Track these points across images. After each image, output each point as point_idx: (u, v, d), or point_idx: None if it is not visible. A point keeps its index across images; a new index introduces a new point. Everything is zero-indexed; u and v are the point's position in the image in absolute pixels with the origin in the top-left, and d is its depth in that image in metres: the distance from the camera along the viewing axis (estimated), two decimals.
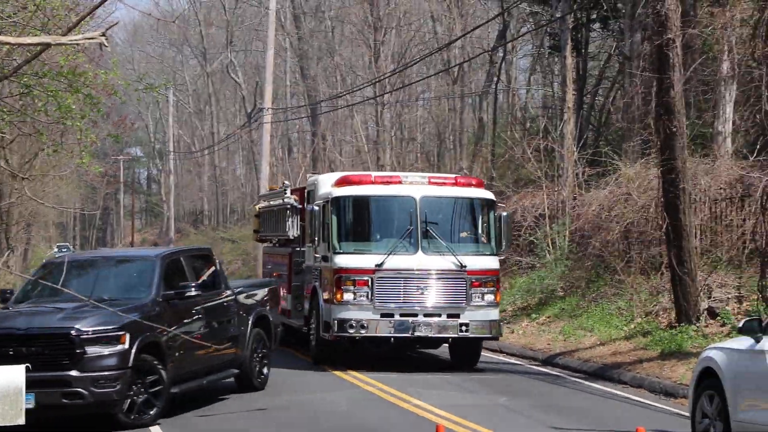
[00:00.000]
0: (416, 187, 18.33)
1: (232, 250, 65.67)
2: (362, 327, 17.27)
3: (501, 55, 43.14)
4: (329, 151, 53.27)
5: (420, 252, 17.82)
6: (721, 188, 22.99)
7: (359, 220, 19.25)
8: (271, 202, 24.98)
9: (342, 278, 17.46)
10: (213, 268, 15.82)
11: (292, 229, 21.21)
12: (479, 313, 17.93)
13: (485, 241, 18.88)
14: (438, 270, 17.81)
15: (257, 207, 27.63)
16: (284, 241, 22.97)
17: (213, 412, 14.67)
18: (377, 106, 47.18)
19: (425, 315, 17.56)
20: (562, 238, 27.96)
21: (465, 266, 17.69)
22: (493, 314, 18.37)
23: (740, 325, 12.51)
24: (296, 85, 66.36)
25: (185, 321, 14.49)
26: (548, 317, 25.08)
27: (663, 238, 20.91)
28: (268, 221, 25.10)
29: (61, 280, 12.50)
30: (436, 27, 51.11)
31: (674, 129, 19.06)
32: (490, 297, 18.01)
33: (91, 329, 12.50)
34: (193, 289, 14.52)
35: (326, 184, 19.50)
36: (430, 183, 18.84)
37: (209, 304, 15.26)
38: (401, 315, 17.50)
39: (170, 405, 13.63)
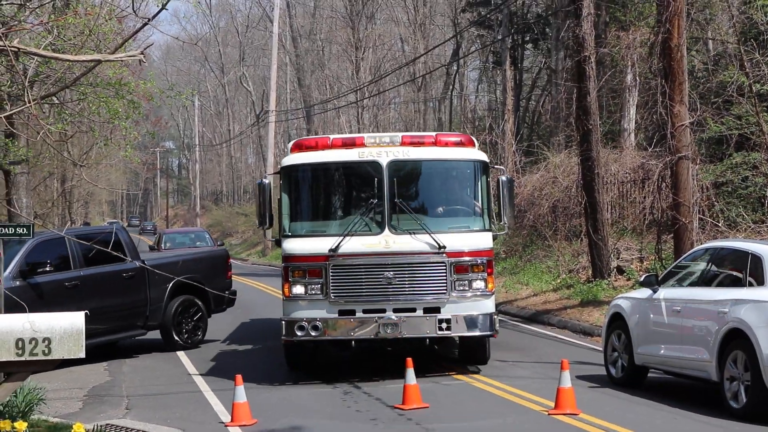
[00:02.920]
0: (384, 149, 11.80)
1: (245, 222, 68.11)
2: (314, 328, 11.22)
3: (455, 68, 44.12)
4: None
5: (387, 231, 11.53)
6: (626, 173, 23.26)
7: (314, 195, 12.70)
8: None
9: (290, 268, 11.50)
10: (95, 248, 13.05)
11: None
12: (465, 305, 11.49)
13: (475, 215, 12.17)
14: (410, 253, 11.43)
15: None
16: None
17: None
18: (358, 109, 47.51)
19: (395, 310, 11.32)
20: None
21: (444, 246, 11.33)
22: (485, 306, 11.65)
23: (641, 279, 12.54)
24: (294, 92, 67.78)
25: (54, 295, 13.13)
26: None
27: (582, 212, 20.99)
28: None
29: None
30: (404, 47, 51.77)
31: (590, 126, 19.23)
32: (479, 284, 11.54)
33: None
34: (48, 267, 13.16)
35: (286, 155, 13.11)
36: (403, 144, 11.98)
37: (94, 278, 13.92)
38: (364, 312, 11.34)
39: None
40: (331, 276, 11.31)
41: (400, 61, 47.78)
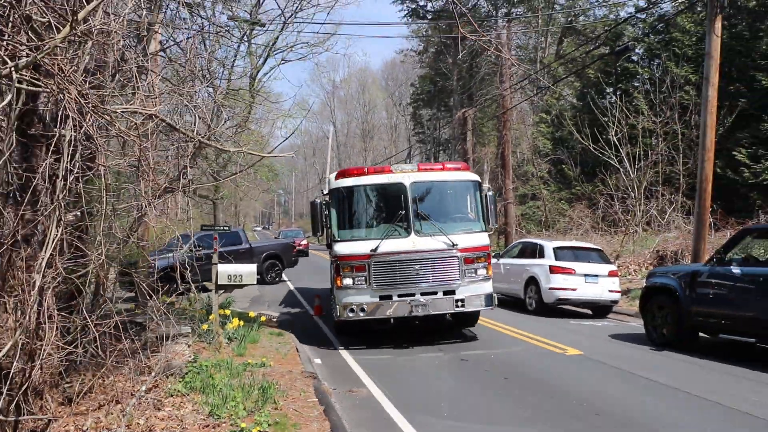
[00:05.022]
0: (406, 174, 12.74)
1: None
2: (362, 310, 12.20)
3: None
4: None
5: (413, 234, 12.36)
6: None
7: (355, 209, 13.10)
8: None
9: (341, 265, 12.32)
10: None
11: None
12: (473, 287, 12.40)
13: (474, 220, 13.00)
14: (431, 250, 12.27)
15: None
16: None
17: None
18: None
19: (422, 294, 12.24)
20: None
21: (456, 244, 12.25)
22: (487, 287, 12.54)
23: (493, 255, 17.93)
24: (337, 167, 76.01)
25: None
26: None
27: None
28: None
29: None
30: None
31: None
32: (482, 272, 12.50)
33: None
34: None
35: (331, 180, 14.05)
36: (419, 170, 12.93)
37: (228, 252, 22.45)
38: (399, 296, 12.22)
39: None
40: (373, 270, 12.14)
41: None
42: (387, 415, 8.24)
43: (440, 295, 12.31)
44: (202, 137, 6.58)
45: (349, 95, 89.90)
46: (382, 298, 12.26)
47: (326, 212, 13.11)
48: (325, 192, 14.22)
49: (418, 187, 12.69)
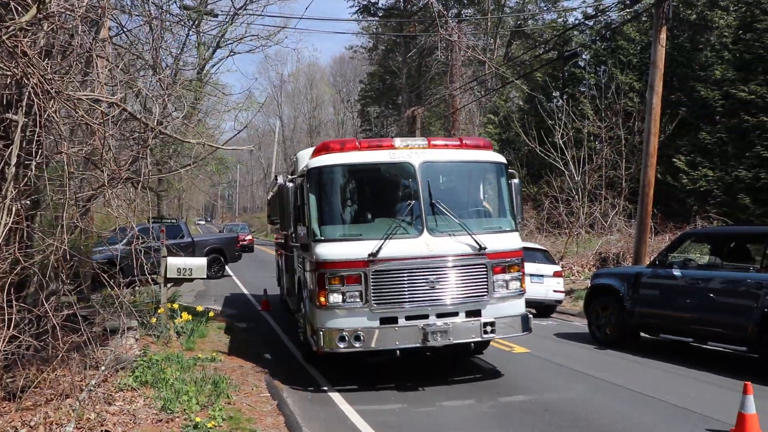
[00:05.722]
0: (414, 152, 9.42)
1: (258, 220, 79.40)
2: (357, 339, 8.77)
3: None
4: None
5: (426, 233, 9.08)
6: None
7: (345, 197, 9.67)
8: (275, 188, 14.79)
9: (326, 275, 8.86)
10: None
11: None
12: (505, 306, 9.23)
13: (503, 215, 9.80)
14: (452, 255, 8.98)
15: (269, 194, 21.22)
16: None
17: None
18: None
19: (438, 315, 8.95)
20: None
21: (485, 248, 9.02)
22: (521, 306, 9.43)
23: None
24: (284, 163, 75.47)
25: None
26: None
27: None
28: (273, 205, 16.11)
29: None
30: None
31: None
32: (515, 284, 9.33)
33: None
34: None
35: (305, 158, 10.52)
36: (430, 146, 9.61)
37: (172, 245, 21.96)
38: (407, 318, 8.92)
39: None
40: (372, 282, 8.81)
41: None
42: None
43: (462, 316, 9.10)
44: (162, 128, 6.50)
45: (296, 90, 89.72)
46: (384, 321, 8.91)
47: (300, 201, 9.87)
48: (295, 174, 10.85)
49: (430, 168, 9.39)
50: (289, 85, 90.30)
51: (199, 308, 13.81)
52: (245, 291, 21.11)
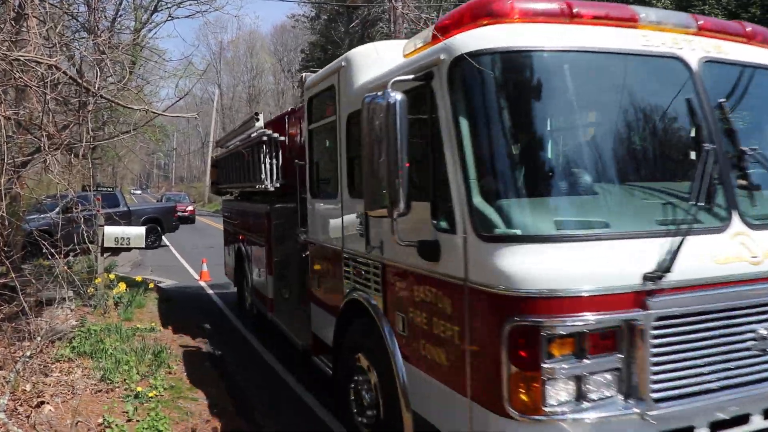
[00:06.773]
0: (682, 37, 3.66)
1: (194, 190, 76.46)
2: None
3: None
4: None
5: (736, 220, 3.45)
6: None
7: (553, 132, 3.35)
8: (236, 140, 11.01)
9: (542, 333, 2.97)
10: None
11: (270, 176, 8.47)
12: None
13: None
14: None
15: (214, 155, 17.26)
16: (252, 193, 10.17)
17: None
18: None
19: (766, 413, 3.14)
20: None
21: None
22: None
23: None
24: (221, 132, 74.11)
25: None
26: None
27: None
28: (229, 166, 11.45)
29: None
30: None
31: None
32: None
33: None
34: None
35: (395, 51, 4.61)
36: (701, 32, 3.86)
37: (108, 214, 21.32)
38: (713, 428, 3.14)
39: None
40: (653, 345, 3.40)
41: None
42: None
43: None
44: (103, 93, 6.34)
45: (236, 58, 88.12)
46: None
47: (431, 139, 3.96)
48: (342, 99, 5.66)
49: (721, 78, 4.13)
50: (229, 52, 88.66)
51: (138, 278, 13.57)
52: (183, 262, 20.84)
